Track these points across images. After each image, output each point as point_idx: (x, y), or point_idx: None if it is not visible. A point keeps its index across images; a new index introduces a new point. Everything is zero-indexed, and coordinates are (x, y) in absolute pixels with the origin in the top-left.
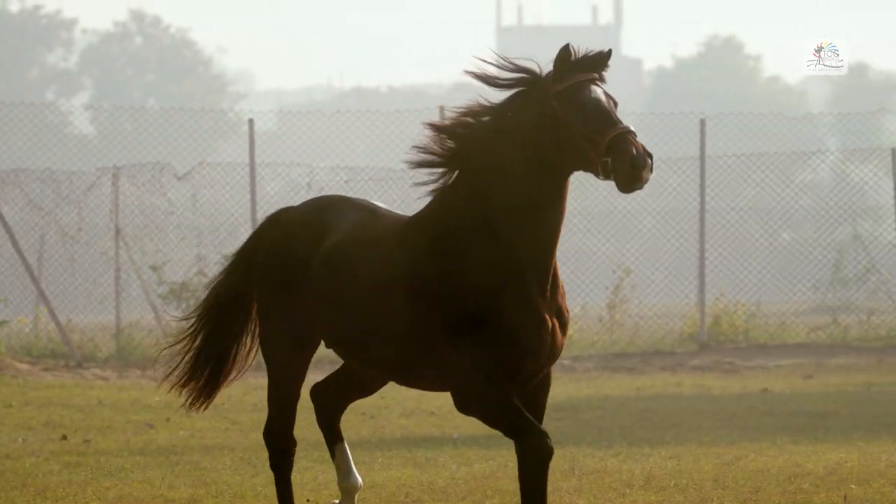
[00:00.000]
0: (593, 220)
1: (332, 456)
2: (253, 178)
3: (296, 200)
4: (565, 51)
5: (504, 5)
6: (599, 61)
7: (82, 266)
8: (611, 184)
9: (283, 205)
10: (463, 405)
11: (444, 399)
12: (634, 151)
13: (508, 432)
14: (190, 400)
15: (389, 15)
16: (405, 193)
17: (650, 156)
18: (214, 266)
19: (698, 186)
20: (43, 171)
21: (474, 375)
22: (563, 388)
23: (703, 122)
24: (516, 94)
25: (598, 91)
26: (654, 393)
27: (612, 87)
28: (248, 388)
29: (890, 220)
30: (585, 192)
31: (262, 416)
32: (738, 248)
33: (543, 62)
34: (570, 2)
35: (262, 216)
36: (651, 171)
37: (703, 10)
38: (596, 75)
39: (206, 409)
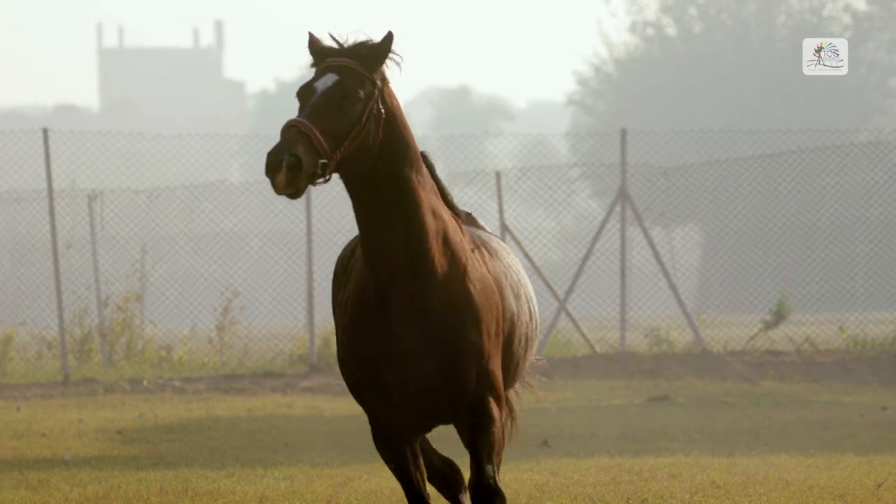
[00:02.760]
0: (200, 242)
1: None
2: None
3: None
4: (336, 36)
5: (105, 27)
6: (360, 47)
7: None
8: (215, 204)
9: None
10: None
11: (56, 421)
12: (270, 149)
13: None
14: None
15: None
16: (9, 214)
17: (291, 153)
18: None
19: (305, 209)
20: None
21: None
22: (173, 409)
23: None
24: None
25: (324, 79)
26: (265, 414)
27: (215, 109)
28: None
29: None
30: (191, 213)
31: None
32: None
33: (145, 82)
34: (170, 24)
35: None
36: (279, 171)
37: (303, 35)
38: (344, 61)
39: None
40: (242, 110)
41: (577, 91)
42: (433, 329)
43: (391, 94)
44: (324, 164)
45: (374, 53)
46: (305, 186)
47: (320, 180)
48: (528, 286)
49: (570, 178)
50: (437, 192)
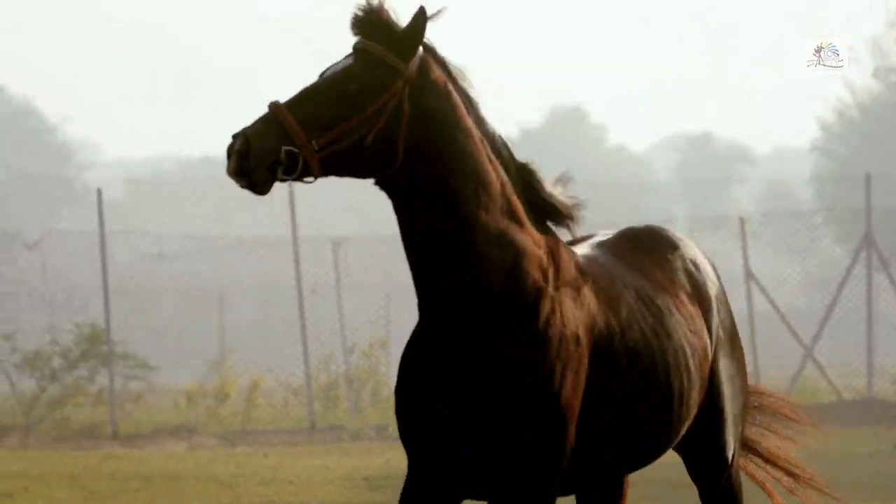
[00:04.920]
0: None
1: None
2: (103, 247)
3: (146, 269)
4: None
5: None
6: (392, 28)
7: None
8: None
9: (134, 274)
10: None
11: (303, 468)
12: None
13: None
14: None
15: (233, 84)
16: (254, 260)
17: (244, 133)
18: (67, 335)
19: None
20: None
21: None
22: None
23: None
24: None
25: (340, 62)
26: None
27: None
28: (105, 457)
29: (740, 288)
30: None
31: (120, 485)
32: None
33: None
34: None
35: (113, 285)
36: (231, 160)
37: (547, 80)
38: (366, 43)
39: None
40: None
41: (819, 137)
42: (485, 379)
43: (435, 91)
44: (290, 151)
45: (405, 38)
46: (266, 179)
47: (303, 177)
48: (676, 368)
49: (814, 224)
50: (517, 215)
